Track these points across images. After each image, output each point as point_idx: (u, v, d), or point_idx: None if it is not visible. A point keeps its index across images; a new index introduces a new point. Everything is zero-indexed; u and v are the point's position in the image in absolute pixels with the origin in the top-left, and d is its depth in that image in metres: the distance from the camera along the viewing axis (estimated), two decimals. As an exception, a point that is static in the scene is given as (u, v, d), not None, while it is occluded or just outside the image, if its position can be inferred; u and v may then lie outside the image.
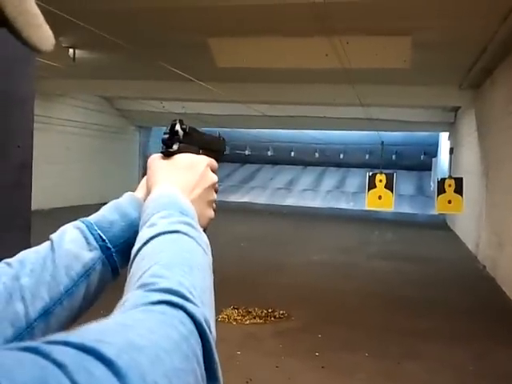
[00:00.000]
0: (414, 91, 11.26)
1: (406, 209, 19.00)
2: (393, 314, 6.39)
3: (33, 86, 1.47)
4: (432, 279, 8.48)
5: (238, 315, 5.98)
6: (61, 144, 15.56)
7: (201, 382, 0.46)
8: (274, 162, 23.87)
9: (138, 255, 0.61)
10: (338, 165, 23.30)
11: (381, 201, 11.48)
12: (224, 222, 13.23)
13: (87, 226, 0.74)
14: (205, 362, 0.47)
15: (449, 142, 16.31)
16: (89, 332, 0.42)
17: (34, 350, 0.36)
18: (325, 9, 5.90)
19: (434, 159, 19.91)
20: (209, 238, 0.67)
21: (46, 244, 0.72)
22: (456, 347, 5.32)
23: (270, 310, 6.18)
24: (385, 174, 11.54)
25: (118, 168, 18.66)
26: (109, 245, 0.73)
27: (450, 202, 10.65)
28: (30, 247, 0.72)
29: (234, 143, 21.96)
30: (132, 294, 0.53)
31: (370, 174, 11.76)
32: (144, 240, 0.63)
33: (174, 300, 0.50)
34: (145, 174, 0.81)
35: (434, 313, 6.50)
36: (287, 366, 4.67)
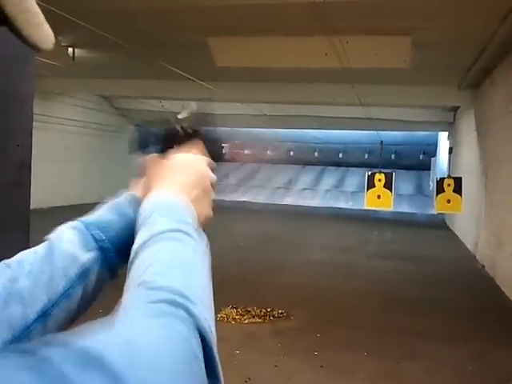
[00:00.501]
0: (413, 91, 11.26)
1: (405, 208, 19.01)
2: (392, 314, 6.39)
3: (32, 85, 1.46)
4: (431, 279, 8.49)
5: (237, 314, 5.98)
6: (60, 143, 15.55)
7: (201, 381, 0.46)
8: (273, 161, 23.87)
9: (138, 254, 0.61)
10: (338, 164, 23.30)
11: (380, 200, 11.49)
12: (223, 221, 13.23)
13: (85, 226, 0.73)
14: (205, 362, 0.47)
15: (448, 142, 16.31)
16: (88, 333, 0.42)
17: (33, 355, 0.36)
18: (325, 8, 5.89)
19: (433, 159, 19.92)
20: (207, 238, 0.67)
21: (44, 245, 0.71)
22: (455, 347, 5.33)
23: (268, 310, 6.18)
24: (384, 173, 11.55)
25: (118, 167, 18.60)
26: (107, 245, 0.73)
27: (449, 201, 10.66)
28: (28, 246, 0.72)
29: (234, 142, 21.97)
30: (132, 293, 0.52)
31: (369, 173, 11.76)
32: (144, 238, 0.62)
33: (175, 299, 0.50)
34: (140, 173, 0.80)
35: (433, 312, 6.50)
36: (286, 366, 4.67)
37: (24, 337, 0.62)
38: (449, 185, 10.66)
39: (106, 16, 7.04)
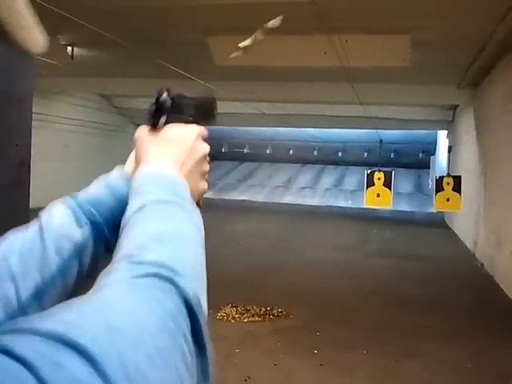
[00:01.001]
0: (412, 90, 11.26)
1: (405, 207, 18.99)
2: (391, 312, 6.40)
3: (31, 84, 1.46)
4: (430, 277, 8.49)
5: (237, 313, 5.99)
6: (59, 142, 15.53)
7: (189, 358, 0.44)
8: (273, 160, 23.86)
9: (128, 224, 0.59)
10: (337, 163, 23.29)
11: (379, 199, 11.50)
12: (222, 219, 13.24)
13: (77, 203, 0.72)
14: (194, 338, 0.46)
15: (447, 141, 16.31)
16: (64, 313, 0.40)
17: None
18: (324, 7, 5.89)
19: (432, 157, 19.90)
20: (205, 230, 0.66)
21: (35, 223, 0.70)
22: (454, 345, 5.33)
23: (268, 308, 6.18)
24: (383, 171, 11.56)
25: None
26: (100, 220, 0.71)
27: (448, 200, 10.67)
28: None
29: (233, 141, 21.97)
30: (118, 266, 0.51)
31: (369, 171, 11.77)
32: (134, 209, 0.61)
33: (162, 273, 0.49)
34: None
35: (433, 311, 6.51)
36: (286, 364, 4.67)
37: (19, 316, 0.60)
38: (448, 183, 10.67)
39: (104, 14, 7.03)
